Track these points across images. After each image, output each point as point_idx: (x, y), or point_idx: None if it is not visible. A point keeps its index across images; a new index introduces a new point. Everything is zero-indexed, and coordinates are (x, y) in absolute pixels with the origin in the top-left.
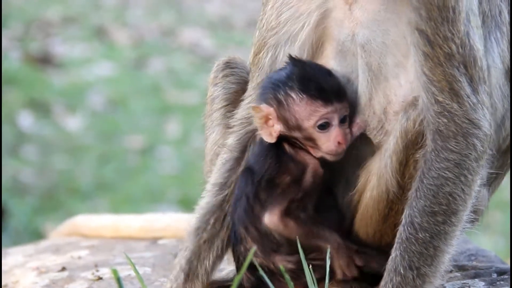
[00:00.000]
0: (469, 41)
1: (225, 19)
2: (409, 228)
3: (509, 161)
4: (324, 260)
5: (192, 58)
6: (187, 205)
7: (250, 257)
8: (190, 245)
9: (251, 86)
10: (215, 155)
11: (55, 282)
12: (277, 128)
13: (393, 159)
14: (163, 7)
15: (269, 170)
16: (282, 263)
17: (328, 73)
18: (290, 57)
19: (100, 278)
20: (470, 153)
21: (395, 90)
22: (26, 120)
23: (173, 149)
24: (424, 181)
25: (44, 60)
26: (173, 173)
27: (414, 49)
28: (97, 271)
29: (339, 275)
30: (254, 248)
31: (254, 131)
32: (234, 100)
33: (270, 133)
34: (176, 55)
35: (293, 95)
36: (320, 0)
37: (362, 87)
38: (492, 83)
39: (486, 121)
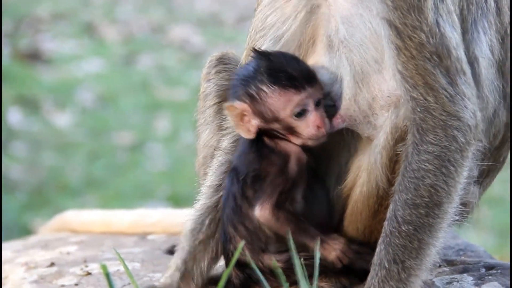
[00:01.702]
0: (439, 29)
1: (215, 16)
2: (392, 222)
3: (501, 158)
4: (312, 259)
5: (182, 55)
6: (176, 201)
7: (238, 251)
8: (186, 246)
9: None
10: (208, 152)
11: (43, 278)
12: (254, 123)
13: (383, 155)
14: (152, 3)
15: (252, 166)
16: (270, 261)
17: (295, 59)
18: (254, 50)
19: (89, 274)
20: (450, 145)
21: (379, 85)
22: (15, 116)
23: (163, 145)
24: (406, 175)
25: (34, 57)
26: (163, 170)
27: (386, 43)
28: (86, 266)
29: (337, 264)
30: (242, 242)
31: None
32: (227, 96)
33: (247, 129)
34: (166, 51)
35: (264, 88)
36: None
37: (346, 82)
38: (481, 74)
39: (467, 112)
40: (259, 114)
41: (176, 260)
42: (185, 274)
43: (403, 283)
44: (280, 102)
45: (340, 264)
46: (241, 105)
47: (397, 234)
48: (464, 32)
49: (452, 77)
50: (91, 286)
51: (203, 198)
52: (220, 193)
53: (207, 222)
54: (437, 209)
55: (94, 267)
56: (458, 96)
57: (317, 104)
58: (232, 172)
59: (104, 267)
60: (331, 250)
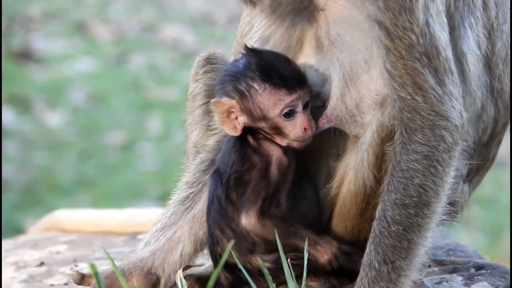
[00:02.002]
0: (429, 30)
1: (207, 16)
2: (382, 222)
3: (490, 155)
4: (301, 259)
5: (174, 54)
6: (167, 201)
7: (227, 252)
8: (152, 240)
9: None
10: (197, 152)
11: (33, 277)
12: (241, 120)
13: (370, 153)
14: (144, 3)
15: (234, 167)
16: (257, 262)
17: (286, 60)
18: (246, 47)
19: None
20: (438, 145)
21: (367, 85)
22: (6, 115)
23: (154, 145)
24: (394, 174)
25: (25, 56)
26: (154, 169)
27: (376, 43)
28: (76, 266)
29: (327, 267)
30: (231, 243)
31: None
32: (215, 92)
33: (234, 126)
34: (158, 51)
35: (255, 85)
36: (295, 1)
37: (334, 82)
38: (470, 70)
39: (455, 112)
40: (247, 111)
41: (142, 253)
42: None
43: (393, 283)
44: (270, 101)
45: (330, 267)
46: (229, 101)
47: (386, 234)
48: (451, 29)
49: (440, 77)
50: (81, 286)
51: (176, 194)
52: (192, 190)
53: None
54: (426, 209)
55: (84, 267)
56: (446, 96)
57: (305, 106)
58: (215, 173)
59: (93, 267)
60: (324, 253)
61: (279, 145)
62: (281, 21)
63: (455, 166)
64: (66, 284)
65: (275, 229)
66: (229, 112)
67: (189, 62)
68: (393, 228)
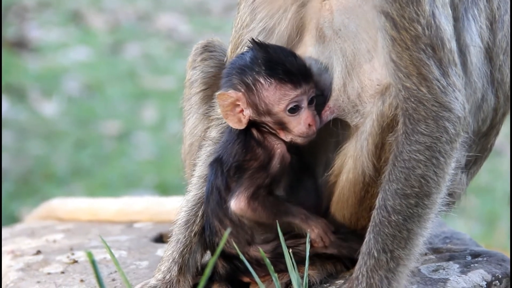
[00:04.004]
0: (435, 21)
1: (202, 5)
2: (382, 211)
3: (489, 145)
4: (298, 247)
5: (169, 44)
6: (163, 190)
7: (223, 241)
8: (181, 238)
9: None
10: (194, 139)
11: (30, 266)
12: (247, 113)
13: (369, 142)
14: None
15: (236, 156)
16: (257, 252)
17: (292, 54)
18: (253, 41)
19: (75, 262)
20: (441, 136)
21: (369, 75)
22: (2, 105)
23: (150, 134)
24: (396, 164)
25: (20, 45)
26: (150, 159)
27: (381, 33)
28: (72, 254)
29: (318, 243)
30: (227, 232)
31: None
32: (213, 83)
33: (238, 119)
34: (153, 40)
35: (261, 80)
36: None
37: (337, 72)
38: (472, 62)
39: (458, 103)
40: (252, 105)
41: (172, 253)
42: (183, 266)
43: (392, 272)
44: (276, 96)
45: (322, 244)
46: (235, 94)
47: (386, 223)
48: (455, 21)
49: (444, 68)
50: (77, 274)
51: (194, 189)
52: None
53: (200, 213)
54: (426, 200)
55: (81, 255)
56: (449, 87)
57: (310, 103)
58: (216, 162)
59: (90, 255)
60: (314, 227)
61: (283, 140)
62: (283, 11)
63: (456, 157)
64: (62, 272)
65: (266, 211)
66: (234, 105)
67: (186, 49)
68: (393, 218)
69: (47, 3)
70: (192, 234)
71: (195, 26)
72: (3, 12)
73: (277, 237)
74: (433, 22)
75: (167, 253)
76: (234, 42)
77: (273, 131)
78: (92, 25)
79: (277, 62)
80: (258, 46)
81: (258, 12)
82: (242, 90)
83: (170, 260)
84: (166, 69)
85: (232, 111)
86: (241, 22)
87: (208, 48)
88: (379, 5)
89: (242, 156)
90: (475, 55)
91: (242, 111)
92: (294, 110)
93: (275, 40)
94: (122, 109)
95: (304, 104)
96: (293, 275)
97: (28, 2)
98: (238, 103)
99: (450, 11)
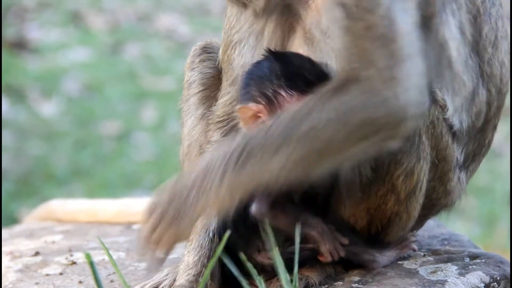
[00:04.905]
0: (390, 13)
1: (202, 5)
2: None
3: (486, 140)
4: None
5: (169, 44)
6: None
7: (224, 241)
8: (202, 242)
9: (226, 83)
10: (192, 140)
11: (28, 267)
12: None
13: None
14: None
15: None
16: (263, 259)
17: (309, 61)
18: (269, 51)
19: (73, 263)
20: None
21: None
22: (1, 105)
23: (149, 135)
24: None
25: (20, 45)
26: (149, 159)
27: (335, 23)
28: (71, 255)
29: (327, 258)
30: (227, 233)
31: (238, 124)
32: (211, 84)
33: None
34: (153, 41)
35: (282, 92)
36: None
37: (333, 72)
38: (453, 56)
39: (399, 101)
40: (273, 115)
41: (192, 258)
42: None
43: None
44: None
45: (330, 259)
46: (256, 107)
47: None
48: (432, 16)
49: (394, 61)
50: (76, 275)
51: None
52: None
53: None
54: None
55: (79, 257)
56: (394, 81)
57: None
58: None
59: (88, 256)
60: (327, 242)
61: None
62: (268, 14)
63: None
64: (61, 273)
65: (286, 219)
66: (256, 118)
67: (186, 51)
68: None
69: (47, 3)
70: (212, 236)
71: (195, 26)
72: (3, 12)
73: (282, 243)
74: (388, 14)
75: (185, 258)
76: (225, 43)
77: None
78: (92, 25)
79: (297, 73)
80: (275, 55)
81: (245, 13)
82: (263, 102)
83: (198, 265)
84: (166, 70)
85: (254, 122)
86: (229, 23)
87: (206, 50)
88: None
89: None
90: (456, 48)
91: (264, 121)
92: None
93: (266, 42)
94: (121, 109)
95: None
96: (284, 278)
97: (28, 3)
98: (259, 114)
99: (412, 5)
